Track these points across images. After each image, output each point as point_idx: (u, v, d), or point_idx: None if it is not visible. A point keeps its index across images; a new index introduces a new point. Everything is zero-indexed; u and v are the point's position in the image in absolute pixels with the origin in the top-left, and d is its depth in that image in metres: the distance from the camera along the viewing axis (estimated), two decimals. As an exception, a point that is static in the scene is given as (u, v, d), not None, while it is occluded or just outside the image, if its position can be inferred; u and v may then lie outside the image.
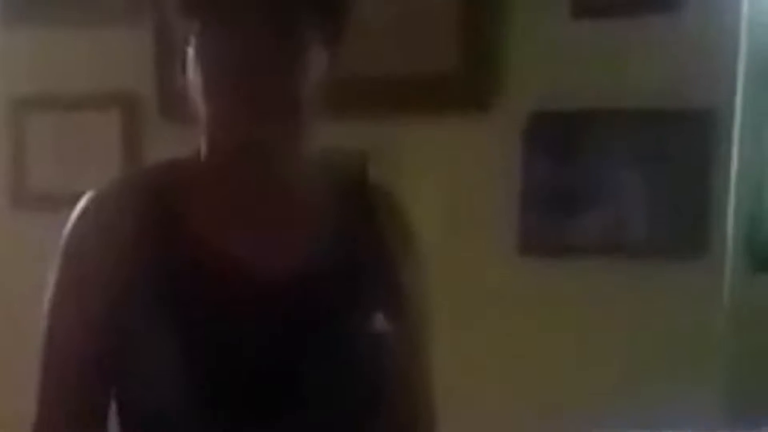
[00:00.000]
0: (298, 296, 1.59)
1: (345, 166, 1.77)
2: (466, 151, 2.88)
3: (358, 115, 2.80)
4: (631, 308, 2.78)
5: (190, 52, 1.53)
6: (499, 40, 2.82)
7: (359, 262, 1.65)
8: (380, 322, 1.62)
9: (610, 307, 2.80)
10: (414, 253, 1.74)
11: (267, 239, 1.60)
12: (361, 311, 1.62)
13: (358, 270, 1.65)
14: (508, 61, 2.82)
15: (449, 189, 2.89)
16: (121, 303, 1.57)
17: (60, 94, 3.29)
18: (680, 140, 2.72)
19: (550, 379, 2.82)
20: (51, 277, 1.64)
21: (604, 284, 2.79)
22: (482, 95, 2.84)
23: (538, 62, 2.81)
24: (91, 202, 1.63)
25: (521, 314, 2.85)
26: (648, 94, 2.73)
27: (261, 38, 1.48)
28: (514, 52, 2.82)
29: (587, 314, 2.82)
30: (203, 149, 1.61)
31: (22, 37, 3.31)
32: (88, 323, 1.60)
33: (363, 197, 1.72)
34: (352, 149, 2.69)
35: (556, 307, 2.83)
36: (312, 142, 1.62)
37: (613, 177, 2.77)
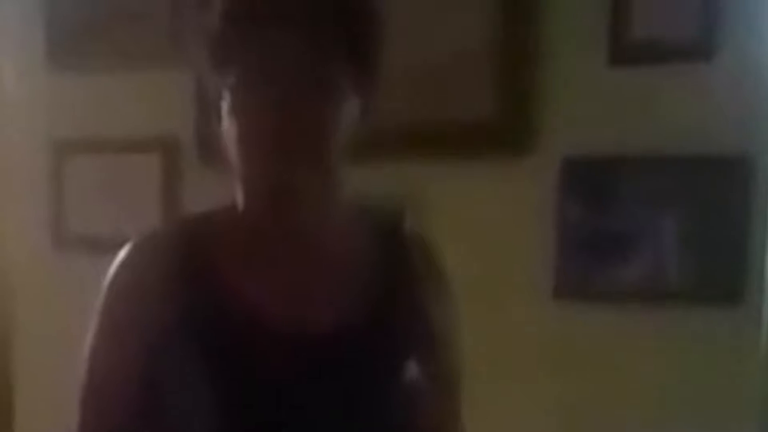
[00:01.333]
0: (330, 346, 1.59)
1: (380, 212, 1.77)
2: (502, 196, 2.88)
3: (395, 160, 2.82)
4: (666, 354, 2.76)
5: (224, 105, 1.55)
6: (536, 86, 2.83)
7: (392, 310, 1.65)
8: (413, 369, 1.63)
9: (644, 352, 2.78)
10: (447, 300, 1.74)
11: (301, 289, 1.61)
12: (393, 360, 1.63)
13: (391, 318, 1.65)
14: (544, 106, 2.83)
15: (485, 234, 2.89)
16: (157, 348, 1.59)
17: (101, 137, 3.32)
18: (716, 187, 2.71)
19: (583, 424, 2.80)
20: (92, 321, 1.67)
21: (638, 330, 2.77)
22: (518, 140, 2.85)
23: (574, 108, 2.82)
24: (132, 250, 1.66)
25: (555, 358, 2.84)
26: (683, 141, 2.72)
27: (294, 88, 1.50)
28: (551, 97, 2.83)
29: (621, 359, 2.80)
30: (238, 199, 1.63)
31: (66, 80, 3.35)
32: (125, 367, 1.62)
33: (397, 244, 1.73)
34: (389, 195, 2.70)
35: (589, 352, 2.82)
36: (344, 189, 1.64)
37: (649, 223, 2.77)
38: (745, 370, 2.71)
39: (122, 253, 1.66)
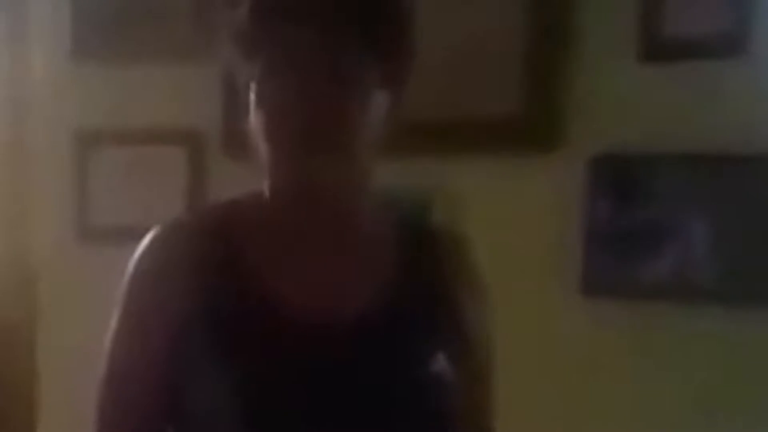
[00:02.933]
0: (355, 337, 1.59)
1: (409, 205, 1.77)
2: (530, 193, 2.87)
3: (422, 155, 2.81)
4: (694, 353, 2.75)
5: (252, 95, 1.56)
6: (565, 83, 2.82)
7: (421, 304, 1.65)
8: (440, 363, 1.61)
9: (671, 351, 2.77)
10: (479, 294, 1.74)
11: (327, 280, 1.61)
12: (419, 353, 1.62)
13: (420, 312, 1.65)
14: (573, 103, 2.82)
15: (512, 230, 2.88)
16: (179, 336, 1.58)
17: (126, 129, 3.33)
18: (746, 185, 2.70)
19: (613, 422, 2.79)
20: (114, 311, 1.66)
21: (666, 328, 2.76)
22: (547, 137, 2.84)
23: (603, 105, 2.80)
24: (155, 237, 1.66)
25: (582, 355, 2.83)
26: (713, 138, 2.71)
27: (319, 81, 1.51)
28: (580, 94, 2.81)
29: (648, 358, 2.79)
30: (265, 189, 1.63)
31: (91, 71, 3.36)
32: (148, 357, 1.62)
33: (426, 237, 1.73)
34: (415, 190, 2.69)
35: (617, 349, 2.81)
36: (372, 182, 1.64)
37: (677, 220, 2.75)
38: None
39: (145, 241, 1.66)
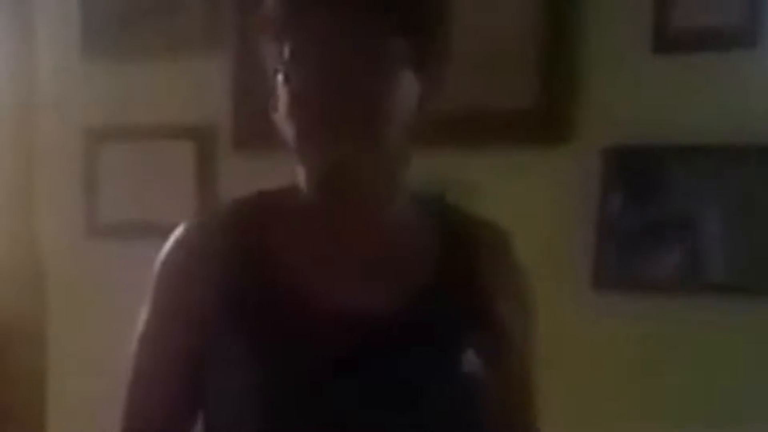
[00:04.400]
0: (384, 331, 1.57)
1: (446, 198, 1.76)
2: (542, 185, 2.87)
3: (436, 148, 2.79)
4: (707, 346, 2.74)
5: (279, 79, 1.54)
6: (579, 74, 2.81)
7: (455, 300, 1.62)
8: (473, 361, 1.59)
9: (683, 344, 2.76)
10: (519, 291, 1.71)
11: (358, 275, 1.59)
12: (450, 350, 1.59)
13: (453, 309, 1.62)
14: (587, 95, 2.81)
15: (524, 222, 2.86)
16: (209, 332, 1.58)
17: (135, 124, 3.33)
18: (760, 177, 2.68)
19: (623, 415, 2.78)
20: (143, 307, 1.67)
21: (680, 321, 2.75)
22: (561, 129, 2.83)
23: (618, 97, 2.79)
24: (185, 231, 1.66)
25: (594, 349, 2.82)
26: (727, 130, 2.69)
27: (348, 63, 1.49)
28: (594, 86, 2.80)
29: (661, 350, 2.78)
30: (298, 179, 1.61)
31: (100, 67, 3.36)
32: (177, 352, 1.62)
33: (466, 231, 1.69)
34: (430, 181, 2.69)
35: (629, 343, 2.80)
36: (406, 171, 1.62)
37: (692, 213, 2.74)
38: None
39: (174, 235, 1.66)
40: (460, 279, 1.63)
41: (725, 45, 2.70)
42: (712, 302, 2.73)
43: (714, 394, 2.73)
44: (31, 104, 3.48)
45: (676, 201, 2.76)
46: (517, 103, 2.86)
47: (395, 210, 1.63)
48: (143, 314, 1.67)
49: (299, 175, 1.61)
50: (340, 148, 1.52)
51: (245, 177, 3.21)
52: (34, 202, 3.50)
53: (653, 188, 2.77)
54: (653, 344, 2.78)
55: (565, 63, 2.82)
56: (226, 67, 3.16)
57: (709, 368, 2.74)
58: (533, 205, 2.87)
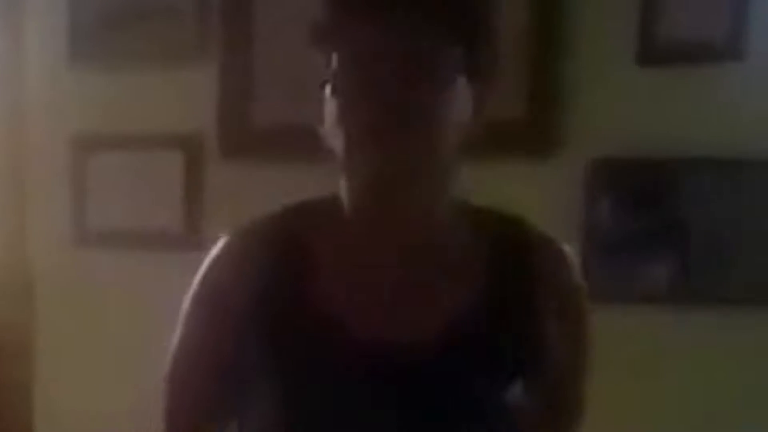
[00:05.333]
0: (428, 363, 1.51)
1: (501, 214, 1.67)
2: (529, 196, 2.84)
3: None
4: (693, 357, 2.75)
5: (327, 91, 1.50)
6: (565, 87, 2.82)
7: (501, 324, 1.55)
8: (516, 392, 1.53)
9: (670, 355, 2.78)
10: (574, 318, 1.65)
11: (399, 298, 1.53)
12: (494, 380, 1.54)
13: (498, 333, 1.55)
14: (573, 107, 2.82)
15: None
16: (242, 339, 1.56)
17: (123, 133, 3.32)
18: (745, 188, 2.70)
19: (612, 426, 2.78)
20: (182, 314, 1.67)
21: (668, 332, 2.76)
22: (547, 141, 2.84)
23: (604, 108, 2.80)
24: (224, 245, 1.64)
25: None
26: (714, 143, 2.70)
27: (399, 69, 1.44)
28: (580, 98, 2.81)
29: (647, 362, 2.79)
30: (343, 195, 1.57)
31: (88, 76, 3.35)
32: (212, 354, 1.62)
33: (520, 251, 1.62)
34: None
35: (617, 354, 2.80)
36: (456, 187, 1.56)
37: (678, 224, 2.75)
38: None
39: (216, 247, 1.64)
40: (513, 301, 1.56)
41: (711, 58, 2.71)
42: (700, 313, 2.74)
43: (704, 404, 2.73)
44: (19, 112, 3.47)
45: (663, 212, 2.77)
46: (504, 114, 2.84)
47: (444, 226, 1.57)
48: (182, 320, 1.66)
49: (342, 190, 1.56)
50: (392, 161, 1.45)
51: (233, 186, 3.22)
52: (22, 211, 3.49)
53: (640, 200, 2.78)
54: (642, 355, 2.79)
55: (552, 75, 2.83)
56: (214, 76, 3.16)
57: (698, 378, 2.75)
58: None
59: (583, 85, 2.80)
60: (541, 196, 2.85)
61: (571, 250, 1.67)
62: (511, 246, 1.61)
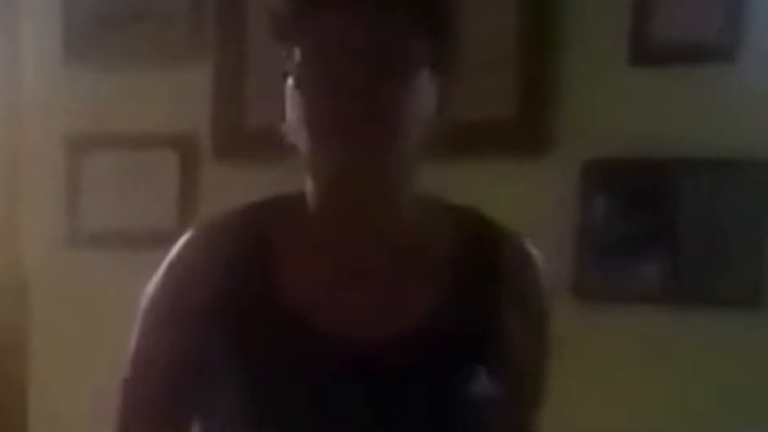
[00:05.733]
0: (395, 356, 1.50)
1: (463, 210, 1.66)
2: (522, 197, 2.87)
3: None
4: (684, 356, 2.75)
5: (289, 83, 1.48)
6: (557, 87, 2.82)
7: (468, 323, 1.54)
8: (485, 386, 1.53)
9: (662, 354, 2.78)
10: (537, 311, 1.64)
11: (363, 293, 1.52)
12: (462, 375, 1.53)
13: (465, 331, 1.54)
14: (565, 107, 2.82)
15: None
16: (204, 340, 1.54)
17: (117, 133, 3.32)
18: (737, 189, 2.70)
19: (606, 425, 2.78)
20: (141, 311, 1.63)
21: (658, 331, 2.76)
22: (539, 141, 2.84)
23: (595, 109, 2.80)
24: (186, 241, 1.61)
25: (575, 358, 2.82)
26: (707, 143, 2.71)
27: (363, 62, 1.42)
28: (572, 98, 2.81)
29: (640, 361, 2.79)
30: (307, 191, 1.55)
31: (82, 75, 3.35)
32: (172, 358, 1.58)
33: (485, 246, 1.61)
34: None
35: (609, 353, 2.81)
36: (418, 184, 1.55)
37: (671, 224, 2.75)
38: (765, 373, 2.70)
39: (178, 243, 1.61)
40: (476, 295, 1.56)
41: (704, 58, 2.72)
42: (693, 313, 2.75)
43: (695, 404, 2.74)
44: (13, 112, 3.47)
45: (656, 212, 2.77)
46: (498, 115, 2.86)
47: (408, 220, 1.55)
48: (140, 318, 1.63)
49: (307, 184, 1.54)
50: (357, 156, 1.44)
51: (228, 186, 3.22)
52: (15, 211, 3.49)
53: (632, 200, 2.78)
54: (634, 354, 2.79)
55: (544, 75, 2.83)
56: (209, 76, 3.16)
57: (689, 378, 2.75)
58: (514, 217, 2.85)
59: (576, 85, 2.81)
60: (534, 196, 2.85)
61: (536, 250, 1.68)
62: (476, 243, 1.60)
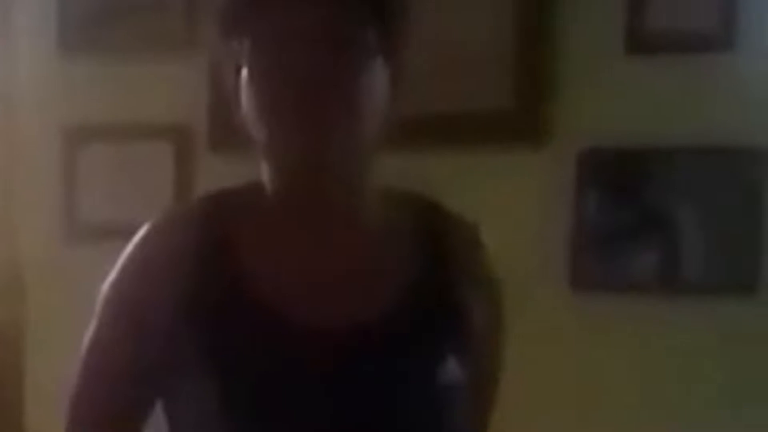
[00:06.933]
0: (354, 341, 1.49)
1: (419, 199, 1.66)
2: (519, 188, 2.87)
3: (410, 151, 2.79)
4: (682, 346, 2.76)
5: (243, 75, 1.47)
6: (553, 77, 2.82)
7: (428, 304, 1.55)
8: (451, 369, 1.53)
9: (660, 344, 2.78)
10: (492, 297, 1.65)
11: (326, 280, 1.51)
12: (426, 359, 1.53)
13: (426, 313, 1.54)
14: (562, 97, 2.82)
15: (501, 225, 2.87)
16: (166, 334, 1.51)
17: (113, 124, 3.31)
18: (734, 178, 2.70)
19: (602, 416, 2.79)
20: (99, 305, 1.61)
21: (657, 321, 2.77)
22: (536, 132, 2.84)
23: (592, 99, 2.80)
24: (145, 232, 1.58)
25: (572, 349, 2.83)
26: (702, 132, 2.71)
27: (316, 49, 1.41)
28: (568, 88, 2.81)
29: (638, 351, 2.80)
30: (264, 181, 1.54)
31: (77, 67, 3.34)
32: (129, 351, 1.55)
33: (438, 231, 1.61)
34: (403, 184, 2.69)
35: (606, 343, 2.81)
36: (375, 173, 1.55)
37: (667, 214, 2.76)
38: (762, 361, 2.70)
39: (137, 235, 1.58)
40: (435, 285, 1.56)
41: (700, 47, 2.72)
42: (689, 302, 2.75)
43: (692, 393, 2.74)
44: (8, 104, 3.46)
45: (652, 202, 2.78)
46: (492, 105, 2.86)
47: (368, 211, 1.55)
48: (98, 313, 1.60)
49: (264, 174, 1.54)
50: (314, 144, 1.44)
51: (223, 178, 3.20)
52: (12, 204, 3.48)
53: (629, 189, 2.79)
54: (631, 344, 2.80)
55: (540, 65, 2.83)
56: (204, 67, 3.16)
57: (686, 367, 2.75)
58: (509, 208, 2.87)
59: (571, 76, 2.81)
60: (530, 186, 2.86)
61: (478, 228, 1.68)
62: (431, 228, 1.61)
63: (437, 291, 1.57)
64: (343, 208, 1.54)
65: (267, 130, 1.46)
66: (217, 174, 3.14)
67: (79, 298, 3.27)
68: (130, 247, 1.58)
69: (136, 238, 1.58)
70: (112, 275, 1.59)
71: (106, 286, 1.60)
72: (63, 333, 3.33)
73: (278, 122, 1.45)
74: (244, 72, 1.47)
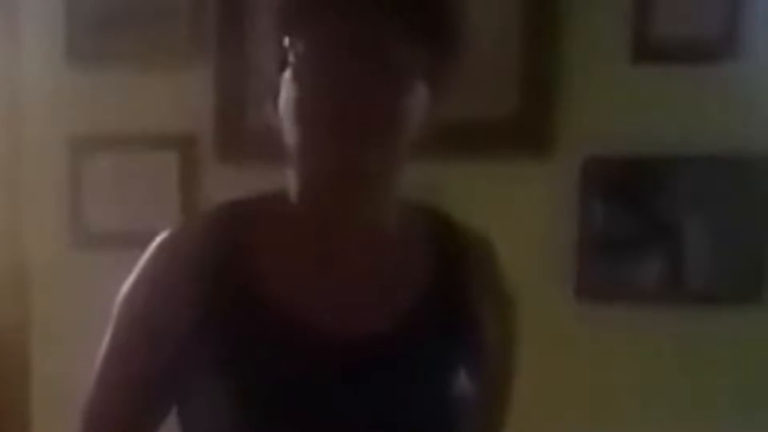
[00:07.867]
0: (371, 350, 1.50)
1: (437, 210, 1.68)
2: (524, 196, 2.87)
3: (416, 158, 2.79)
4: (687, 354, 2.76)
5: (286, 76, 1.46)
6: (558, 85, 2.82)
7: (444, 321, 1.56)
8: (462, 381, 1.54)
9: (665, 352, 2.79)
10: (506, 310, 1.67)
11: (345, 291, 1.52)
12: (440, 369, 1.54)
13: (442, 329, 1.56)
14: (567, 105, 2.82)
15: (506, 233, 2.86)
16: (182, 345, 1.52)
17: (119, 134, 3.32)
18: (740, 186, 2.70)
19: (608, 423, 2.79)
20: (114, 316, 1.61)
21: (662, 329, 2.77)
22: (541, 139, 2.84)
23: (597, 107, 2.80)
24: (161, 242, 1.58)
25: (576, 358, 2.83)
26: (707, 141, 2.71)
27: (367, 64, 1.42)
28: (573, 96, 2.82)
29: (642, 359, 2.80)
30: (290, 183, 1.54)
31: (84, 77, 3.34)
32: (146, 365, 1.56)
33: (455, 246, 1.63)
34: (408, 191, 2.69)
35: (611, 352, 2.81)
36: (402, 183, 1.55)
37: (672, 222, 2.76)
38: (766, 369, 2.71)
39: (152, 245, 1.58)
40: (452, 294, 1.58)
41: (706, 56, 2.72)
42: (694, 311, 2.75)
43: (696, 402, 2.74)
44: (15, 113, 3.47)
45: (657, 210, 2.77)
46: (499, 114, 2.86)
47: (389, 221, 1.56)
48: (113, 324, 1.60)
49: (290, 181, 1.54)
50: (348, 159, 1.44)
51: (229, 187, 3.20)
52: (18, 212, 3.49)
53: (634, 198, 2.79)
54: (637, 352, 2.80)
55: (546, 73, 2.83)
56: (210, 76, 3.16)
57: (691, 376, 2.75)
58: (516, 215, 2.87)
59: (577, 84, 2.81)
60: (535, 194, 2.86)
61: (493, 244, 1.70)
62: (446, 241, 1.62)
63: (451, 303, 1.58)
64: (367, 218, 1.54)
65: (300, 133, 1.46)
66: (223, 183, 3.15)
67: (85, 305, 3.30)
68: (145, 257, 1.58)
69: (151, 247, 1.58)
70: (127, 285, 1.59)
71: (121, 295, 1.60)
72: (68, 338, 3.36)
73: (312, 127, 1.45)
74: (289, 71, 1.46)
